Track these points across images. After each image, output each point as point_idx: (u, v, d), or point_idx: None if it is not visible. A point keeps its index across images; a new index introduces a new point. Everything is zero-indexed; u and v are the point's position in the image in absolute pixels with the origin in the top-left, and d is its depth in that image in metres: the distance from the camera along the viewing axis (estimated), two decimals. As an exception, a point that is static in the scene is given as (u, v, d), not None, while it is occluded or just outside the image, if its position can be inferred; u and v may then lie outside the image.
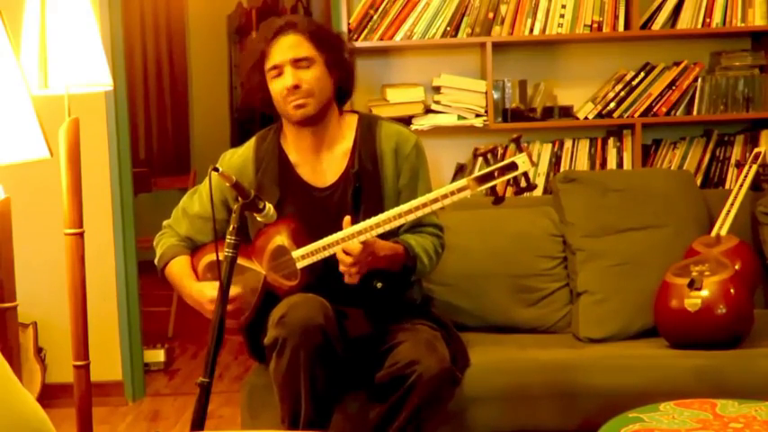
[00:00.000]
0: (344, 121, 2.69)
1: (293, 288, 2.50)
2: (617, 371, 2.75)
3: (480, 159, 2.32)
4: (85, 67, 2.66)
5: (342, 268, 2.41)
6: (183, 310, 5.44)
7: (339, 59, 2.62)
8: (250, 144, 2.72)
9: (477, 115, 3.72)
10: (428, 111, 3.76)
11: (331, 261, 2.44)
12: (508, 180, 2.30)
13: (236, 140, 7.37)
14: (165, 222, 2.79)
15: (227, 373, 4.49)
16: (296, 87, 2.53)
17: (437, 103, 3.74)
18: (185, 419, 3.79)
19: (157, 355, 4.53)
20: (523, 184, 2.29)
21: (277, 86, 2.56)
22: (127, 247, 4.04)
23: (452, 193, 2.32)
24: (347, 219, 2.42)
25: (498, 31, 3.71)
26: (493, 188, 2.31)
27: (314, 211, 2.60)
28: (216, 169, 2.20)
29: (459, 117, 3.72)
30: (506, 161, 2.28)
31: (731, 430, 2.08)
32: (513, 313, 3.19)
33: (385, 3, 3.70)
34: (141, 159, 7.07)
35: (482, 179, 2.29)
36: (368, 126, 2.67)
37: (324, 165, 2.65)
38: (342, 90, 2.67)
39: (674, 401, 2.28)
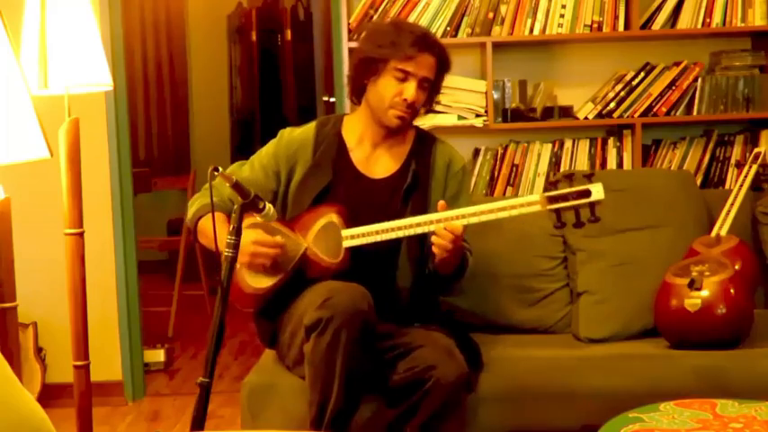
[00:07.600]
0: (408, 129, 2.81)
1: (331, 267, 2.53)
2: (617, 371, 2.75)
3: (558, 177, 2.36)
4: (85, 67, 2.66)
5: (439, 243, 2.45)
6: (183, 310, 5.46)
7: (439, 87, 2.79)
8: (311, 126, 2.78)
9: (478, 115, 3.71)
10: (428, 111, 3.72)
11: (367, 255, 2.51)
12: (575, 210, 2.30)
13: (236, 140, 7.36)
14: (206, 185, 2.72)
15: (227, 373, 4.49)
16: (411, 104, 2.65)
17: (437, 103, 3.71)
18: (185, 419, 3.79)
19: (157, 355, 4.52)
20: (588, 216, 2.28)
21: (393, 88, 2.64)
22: (127, 247, 4.04)
23: (522, 206, 2.34)
24: (442, 203, 2.49)
25: (498, 31, 3.71)
26: (557, 212, 2.30)
27: (361, 200, 2.66)
28: (216, 169, 2.20)
29: (460, 117, 3.72)
30: (582, 187, 2.27)
31: (731, 430, 2.08)
32: (513, 313, 3.19)
33: (385, 3, 3.70)
34: (141, 159, 7.07)
35: (554, 199, 2.29)
36: (425, 139, 2.83)
37: (378, 159, 2.74)
38: None
39: (674, 401, 2.28)
